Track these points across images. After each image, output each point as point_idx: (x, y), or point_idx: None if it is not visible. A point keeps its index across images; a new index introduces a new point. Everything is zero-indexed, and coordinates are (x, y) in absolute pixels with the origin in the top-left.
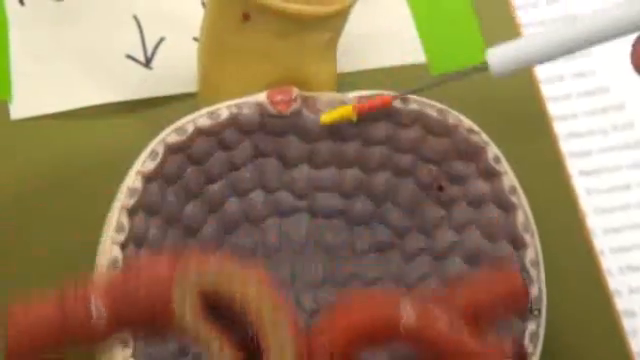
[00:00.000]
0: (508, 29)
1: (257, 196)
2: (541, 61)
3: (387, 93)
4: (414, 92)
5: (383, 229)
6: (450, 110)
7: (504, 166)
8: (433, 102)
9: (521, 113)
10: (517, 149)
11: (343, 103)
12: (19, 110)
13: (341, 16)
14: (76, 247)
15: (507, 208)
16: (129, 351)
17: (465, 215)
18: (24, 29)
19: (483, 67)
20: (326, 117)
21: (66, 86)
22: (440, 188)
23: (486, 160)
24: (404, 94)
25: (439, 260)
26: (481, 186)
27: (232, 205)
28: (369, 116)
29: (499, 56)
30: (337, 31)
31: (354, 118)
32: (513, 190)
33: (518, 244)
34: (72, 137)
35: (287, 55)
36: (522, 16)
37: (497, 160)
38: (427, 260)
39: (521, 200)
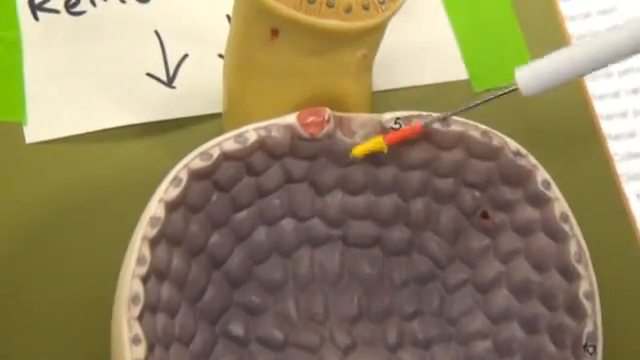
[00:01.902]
0: (557, 42)
1: (287, 224)
2: (571, 78)
3: (426, 114)
4: (442, 118)
5: (422, 259)
6: (494, 131)
7: (555, 191)
8: (476, 123)
9: (572, 133)
10: (568, 171)
11: (380, 124)
12: (34, 133)
13: (377, 31)
14: (94, 279)
15: (558, 237)
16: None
17: (512, 244)
18: (39, 46)
19: (513, 88)
20: (357, 150)
21: (83, 107)
22: (484, 215)
23: (535, 185)
24: (432, 120)
25: (484, 293)
26: (529, 213)
27: (261, 234)
28: (407, 138)
29: (528, 75)
30: (372, 47)
31: (385, 149)
32: (565, 217)
33: (570, 275)
34: (89, 162)
35: (319, 73)
36: (573, 27)
37: (547, 185)
38: (470, 293)
39: (574, 228)
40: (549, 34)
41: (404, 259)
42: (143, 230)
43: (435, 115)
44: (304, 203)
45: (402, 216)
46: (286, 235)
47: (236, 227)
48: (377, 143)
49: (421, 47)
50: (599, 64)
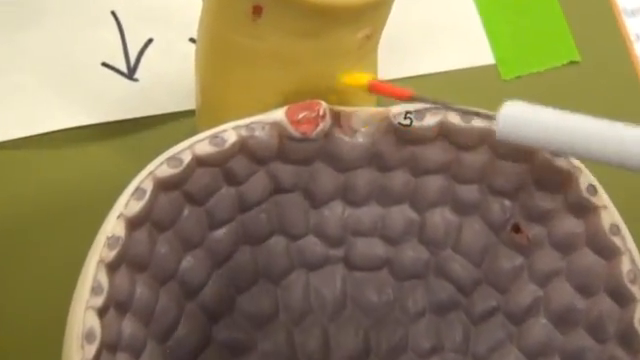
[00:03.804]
0: (604, 18)
1: (276, 244)
2: (557, 149)
3: (443, 106)
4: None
5: (442, 284)
6: None
7: (602, 198)
8: None
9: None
10: (619, 173)
11: (387, 120)
12: None
13: (382, 7)
14: (40, 311)
15: (607, 253)
16: None
17: (550, 263)
18: None
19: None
20: (345, 79)
21: (26, 106)
22: (516, 229)
23: (577, 191)
24: (428, 100)
25: (517, 323)
26: (571, 225)
27: (244, 256)
28: (420, 136)
29: (512, 118)
30: (377, 26)
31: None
32: (615, 229)
33: (623, 299)
34: (35, 171)
35: (311, 59)
36: (623, 1)
37: (593, 190)
38: (501, 323)
39: (627, 242)
40: (595, 9)
41: (419, 284)
42: (99, 252)
43: (428, 98)
44: (296, 217)
45: (416, 232)
46: (275, 257)
47: (213, 248)
48: (361, 83)
49: (438, 27)
50: (598, 156)
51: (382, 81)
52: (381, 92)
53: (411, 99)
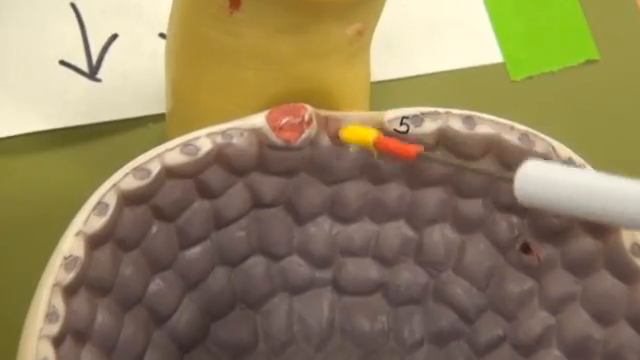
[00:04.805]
0: (626, 14)
1: (256, 265)
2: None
3: (443, 110)
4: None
5: (443, 310)
6: (537, 133)
7: None
8: (512, 122)
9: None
10: None
11: (380, 126)
12: None
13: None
14: None
15: (628, 276)
16: None
17: (564, 287)
18: None
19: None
20: (346, 133)
21: None
22: (526, 248)
23: None
24: (433, 159)
25: (527, 354)
26: (587, 244)
27: (219, 279)
28: (417, 142)
29: (531, 181)
30: (369, 21)
31: (373, 152)
32: (638, 250)
33: None
34: None
35: (295, 58)
36: None
37: None
38: (509, 355)
39: None
40: (615, 2)
41: (417, 310)
42: (54, 274)
43: (437, 157)
44: (279, 235)
45: (413, 251)
46: (255, 279)
47: (185, 269)
48: (365, 140)
49: (441, 22)
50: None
51: (386, 141)
52: (386, 152)
53: (417, 159)
